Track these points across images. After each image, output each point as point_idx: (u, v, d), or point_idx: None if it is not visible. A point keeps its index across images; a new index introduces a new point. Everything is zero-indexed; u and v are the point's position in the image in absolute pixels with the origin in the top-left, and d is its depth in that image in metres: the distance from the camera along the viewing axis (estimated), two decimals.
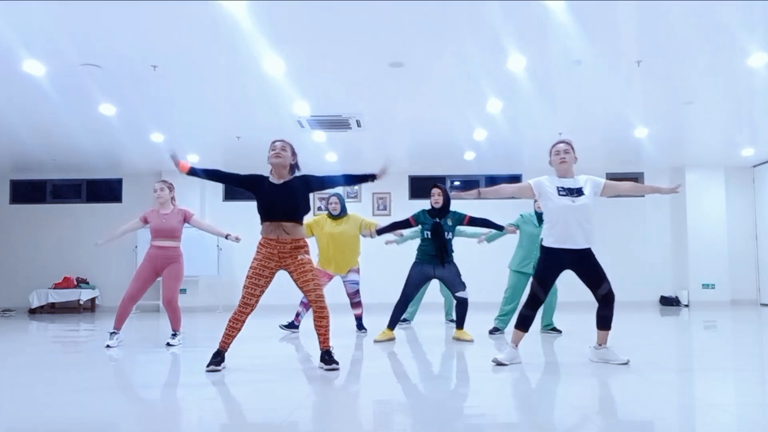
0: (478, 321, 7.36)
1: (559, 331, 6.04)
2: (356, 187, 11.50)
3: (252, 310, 3.88)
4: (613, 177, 11.29)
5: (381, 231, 5.63)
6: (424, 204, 5.95)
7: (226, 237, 5.42)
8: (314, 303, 3.89)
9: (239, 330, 3.91)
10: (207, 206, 11.40)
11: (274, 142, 3.98)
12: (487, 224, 5.56)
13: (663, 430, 2.33)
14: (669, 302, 10.97)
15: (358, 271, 6.17)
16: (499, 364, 3.93)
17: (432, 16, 4.96)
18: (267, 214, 3.88)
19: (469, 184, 11.61)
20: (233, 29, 5.14)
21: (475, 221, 5.50)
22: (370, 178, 4.05)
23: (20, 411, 2.76)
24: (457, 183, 11.65)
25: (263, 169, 4.15)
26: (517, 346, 4.05)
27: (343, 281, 6.15)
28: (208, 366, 3.84)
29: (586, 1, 4.71)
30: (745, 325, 6.88)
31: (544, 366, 3.96)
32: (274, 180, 3.96)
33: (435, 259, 5.40)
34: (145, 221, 5.38)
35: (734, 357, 4.33)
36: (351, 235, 6.02)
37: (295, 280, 3.93)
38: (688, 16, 4.97)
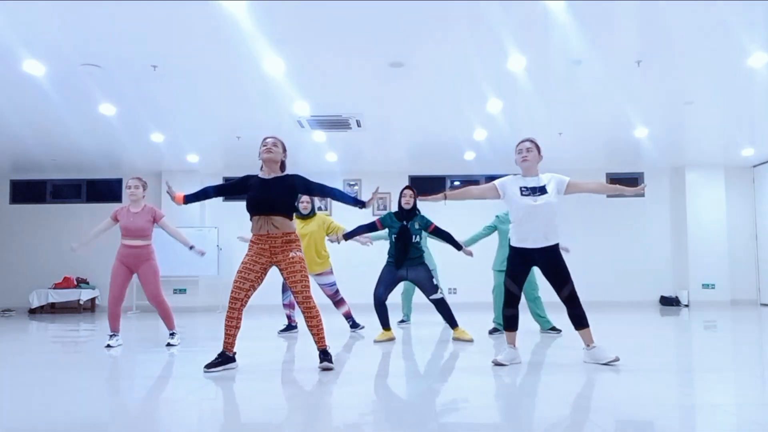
0: (478, 321, 7.36)
1: (559, 331, 6.04)
2: (356, 187, 11.51)
3: (242, 305, 3.87)
4: (613, 177, 11.34)
5: (348, 236, 5.56)
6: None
7: (191, 248, 5.33)
8: (301, 304, 3.89)
9: (236, 327, 3.89)
10: (207, 206, 11.40)
11: (265, 138, 4.03)
12: (447, 239, 5.53)
13: (663, 430, 2.33)
14: (669, 302, 10.97)
15: (331, 272, 6.16)
16: (499, 364, 3.93)
17: (432, 16, 4.96)
18: (256, 209, 3.88)
19: (468, 184, 11.62)
20: (233, 29, 5.14)
21: (437, 232, 5.50)
22: (360, 204, 4.14)
23: (20, 411, 2.76)
24: (457, 183, 11.65)
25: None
26: (514, 345, 4.06)
27: (320, 285, 6.15)
28: (207, 366, 3.84)
29: (586, 1, 4.71)
30: (745, 325, 6.88)
31: (543, 366, 3.96)
32: (263, 175, 3.99)
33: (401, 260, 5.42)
34: (116, 219, 5.33)
35: (734, 357, 4.33)
36: (317, 236, 6.03)
37: (284, 279, 3.93)
38: (688, 16, 4.97)
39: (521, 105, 7.34)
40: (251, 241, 3.94)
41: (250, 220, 3.95)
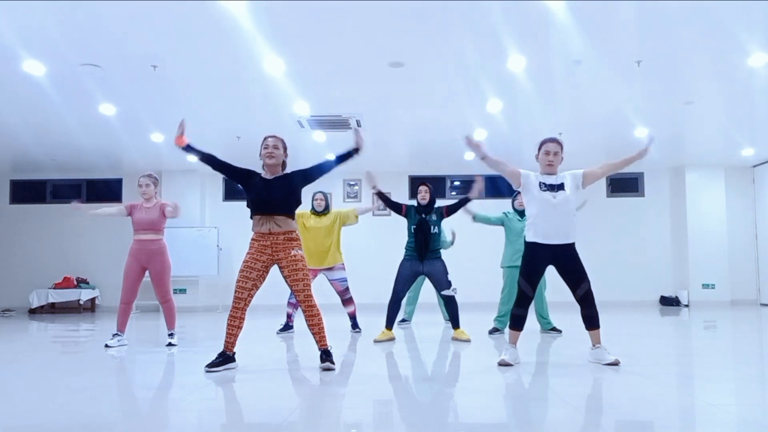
0: (478, 321, 7.36)
1: (559, 331, 6.04)
2: (356, 187, 11.51)
3: (245, 305, 3.86)
4: (612, 177, 11.33)
5: (380, 194, 5.62)
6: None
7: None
8: (302, 303, 3.88)
9: (238, 327, 3.89)
10: (207, 206, 11.41)
11: (266, 138, 4.00)
12: (460, 204, 5.63)
13: (663, 430, 2.33)
14: (669, 302, 10.97)
15: (344, 268, 6.22)
16: (505, 364, 3.92)
17: (432, 16, 4.96)
18: (259, 208, 3.87)
19: (469, 183, 11.62)
20: (233, 29, 5.14)
21: (451, 209, 5.62)
22: (354, 152, 4.10)
23: (20, 411, 2.76)
24: (457, 183, 11.65)
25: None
26: (515, 345, 4.06)
27: (330, 280, 6.17)
28: (208, 366, 3.84)
29: (586, 1, 4.71)
30: (745, 325, 6.88)
31: (544, 366, 3.96)
32: (266, 175, 3.98)
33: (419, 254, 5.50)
34: (129, 212, 5.34)
35: (734, 357, 4.33)
36: (332, 230, 6.15)
37: (285, 277, 3.90)
38: (688, 16, 4.97)
39: (521, 105, 7.34)
40: (252, 239, 3.93)
41: (251, 218, 3.94)
